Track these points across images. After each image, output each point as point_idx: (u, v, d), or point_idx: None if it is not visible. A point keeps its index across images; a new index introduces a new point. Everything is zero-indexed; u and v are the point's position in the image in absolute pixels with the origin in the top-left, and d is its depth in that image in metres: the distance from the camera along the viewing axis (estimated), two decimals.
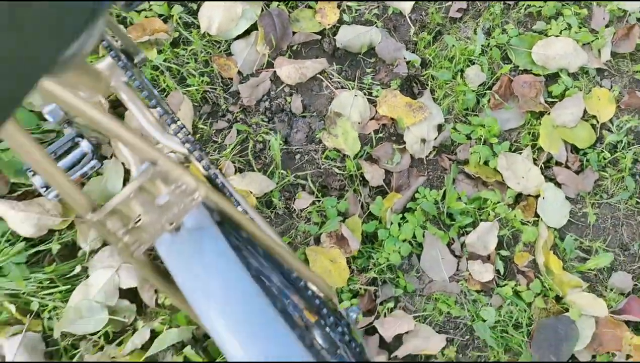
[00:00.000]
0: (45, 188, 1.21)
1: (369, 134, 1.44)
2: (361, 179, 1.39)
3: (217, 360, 1.19)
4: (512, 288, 1.32)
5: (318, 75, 1.49)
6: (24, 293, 1.20)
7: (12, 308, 1.17)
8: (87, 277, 1.22)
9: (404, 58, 1.52)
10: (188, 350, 1.18)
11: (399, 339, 1.27)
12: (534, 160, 1.45)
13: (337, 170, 1.39)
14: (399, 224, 1.32)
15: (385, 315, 1.28)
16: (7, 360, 1.15)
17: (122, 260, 1.24)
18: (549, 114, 1.49)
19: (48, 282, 1.21)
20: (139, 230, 0.63)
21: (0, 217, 1.21)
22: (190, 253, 0.63)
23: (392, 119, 1.45)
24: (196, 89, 1.42)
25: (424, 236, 1.33)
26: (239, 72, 1.47)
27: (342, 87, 1.48)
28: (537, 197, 1.41)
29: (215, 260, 0.63)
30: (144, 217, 0.61)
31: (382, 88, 1.49)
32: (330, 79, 1.49)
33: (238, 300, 0.60)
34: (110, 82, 1.02)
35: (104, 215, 0.58)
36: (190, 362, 1.18)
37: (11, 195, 1.24)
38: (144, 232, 0.62)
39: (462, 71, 1.51)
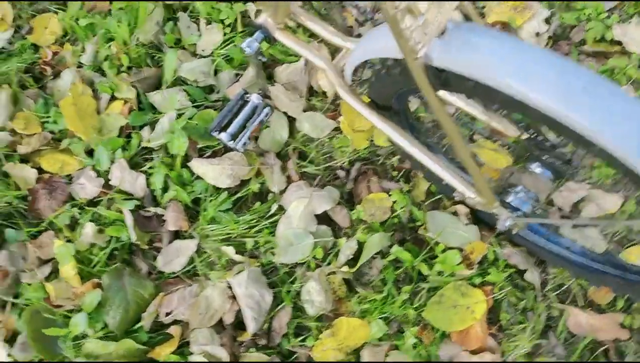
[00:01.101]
0: (232, 142, 1.35)
1: None
2: None
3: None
4: None
5: None
6: (236, 236, 1.32)
7: (231, 250, 1.30)
8: (284, 211, 1.34)
9: None
10: (396, 249, 1.28)
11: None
12: None
13: None
14: None
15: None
16: (237, 295, 1.26)
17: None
18: None
19: (254, 221, 1.33)
20: (421, 28, 0.75)
21: (199, 176, 1.35)
22: (470, 42, 0.75)
23: (503, 23, 1.57)
24: None
25: None
26: None
27: None
28: None
29: (500, 37, 0.74)
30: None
31: None
32: None
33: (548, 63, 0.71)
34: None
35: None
36: None
37: (201, 158, 1.38)
38: (425, 30, 0.75)
39: None
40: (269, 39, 1.17)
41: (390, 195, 1.37)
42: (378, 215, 1.36)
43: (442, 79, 0.82)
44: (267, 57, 1.23)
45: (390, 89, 1.04)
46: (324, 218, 1.35)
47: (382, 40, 0.91)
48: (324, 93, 1.50)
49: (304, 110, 1.47)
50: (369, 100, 1.13)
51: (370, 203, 1.36)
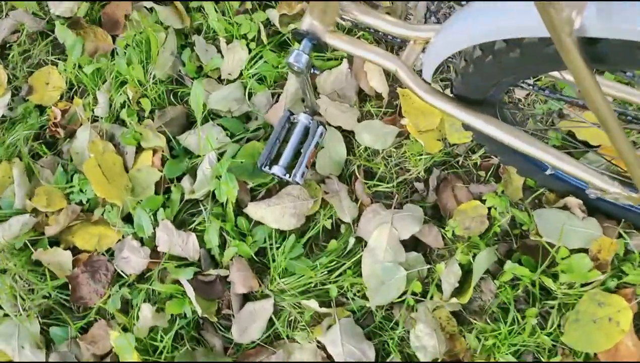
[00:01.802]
0: (288, 175, 1.14)
1: None
2: None
3: None
4: None
5: None
6: (315, 285, 1.12)
7: (313, 303, 1.09)
8: (365, 244, 1.13)
9: None
10: (509, 265, 1.06)
11: None
12: None
13: None
14: None
15: None
16: (334, 356, 1.06)
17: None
18: None
19: (333, 263, 1.13)
20: None
21: (258, 222, 1.15)
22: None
23: None
24: None
25: None
26: None
27: None
28: None
29: None
30: None
31: None
32: None
33: None
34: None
35: None
36: None
37: (256, 200, 1.18)
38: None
39: None
40: (319, 46, 0.96)
41: (483, 201, 1.15)
42: (475, 227, 1.14)
43: (596, 52, 0.60)
44: (319, 69, 1.01)
45: (492, 79, 0.82)
46: (411, 243, 1.14)
47: (487, 20, 0.70)
48: (378, 95, 1.28)
49: (359, 120, 1.26)
50: (452, 95, 0.92)
51: (463, 215, 1.14)
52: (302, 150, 1.16)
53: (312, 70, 0.98)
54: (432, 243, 1.15)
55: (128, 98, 1.29)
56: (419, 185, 1.20)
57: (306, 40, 0.95)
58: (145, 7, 1.37)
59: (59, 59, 1.38)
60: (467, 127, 1.04)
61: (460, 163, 1.21)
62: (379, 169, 1.22)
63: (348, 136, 1.25)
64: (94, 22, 1.39)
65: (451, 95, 0.92)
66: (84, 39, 1.36)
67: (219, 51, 1.33)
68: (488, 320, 1.07)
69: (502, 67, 0.76)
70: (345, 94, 1.28)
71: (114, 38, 1.37)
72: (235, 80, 1.30)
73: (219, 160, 1.20)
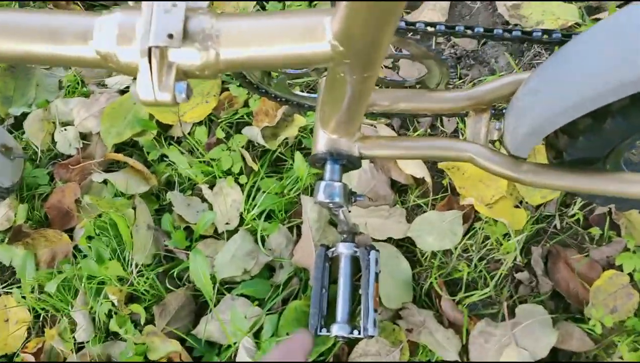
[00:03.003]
0: (356, 330, 0.83)
1: None
2: None
3: None
4: None
5: None
6: None
7: None
8: None
9: None
10: None
11: None
12: None
13: None
14: None
15: None
16: None
17: None
18: None
19: None
20: None
21: None
22: None
23: None
24: None
25: None
26: None
27: None
28: None
29: None
30: None
31: None
32: None
33: None
34: None
35: None
36: None
37: None
38: None
39: None
40: (351, 164, 0.67)
41: (616, 266, 0.84)
42: (623, 306, 0.83)
43: None
44: (364, 195, 0.72)
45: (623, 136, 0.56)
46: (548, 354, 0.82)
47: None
48: (418, 180, 0.99)
49: (408, 220, 0.96)
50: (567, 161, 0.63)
51: (600, 295, 0.84)
52: (360, 291, 0.85)
53: (355, 198, 0.69)
54: (579, 347, 0.83)
55: (113, 304, 0.97)
56: (522, 276, 0.90)
57: (331, 164, 0.66)
58: (95, 181, 1.07)
59: (11, 286, 1.07)
60: (582, 195, 0.77)
61: (559, 226, 0.91)
62: (462, 273, 0.91)
63: (404, 245, 0.95)
64: (40, 224, 1.09)
65: (558, 161, 0.64)
66: (34, 249, 1.05)
67: (204, 201, 1.04)
68: None
69: None
70: (379, 194, 0.99)
71: (70, 234, 1.06)
72: (237, 229, 1.00)
73: (257, 343, 0.88)
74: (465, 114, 0.67)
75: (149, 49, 0.37)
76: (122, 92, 1.17)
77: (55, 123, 1.15)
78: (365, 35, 0.38)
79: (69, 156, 1.14)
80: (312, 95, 0.80)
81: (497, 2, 1.09)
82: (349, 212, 0.78)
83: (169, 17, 0.38)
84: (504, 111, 0.75)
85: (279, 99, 0.80)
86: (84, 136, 1.15)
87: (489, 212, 0.92)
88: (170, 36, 0.37)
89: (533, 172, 0.61)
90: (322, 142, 0.65)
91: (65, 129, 1.14)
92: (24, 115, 1.17)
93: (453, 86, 1.03)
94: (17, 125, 1.19)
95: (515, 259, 0.90)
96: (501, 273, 0.90)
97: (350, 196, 0.68)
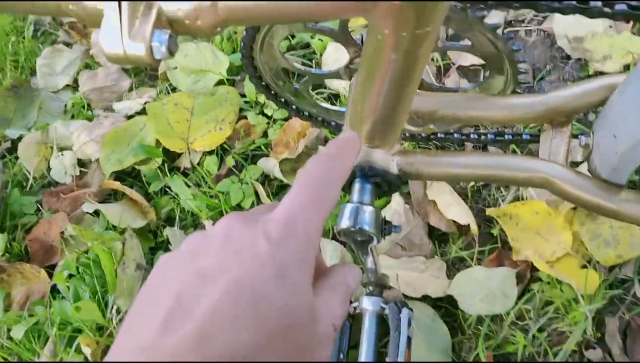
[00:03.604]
0: None
1: None
2: None
3: None
4: None
5: None
6: None
7: None
8: None
9: None
10: None
11: None
12: None
13: None
14: None
15: None
16: None
17: None
18: None
19: None
20: None
21: None
22: None
23: None
24: None
25: None
26: None
27: None
28: None
29: None
30: None
31: None
32: None
33: None
34: None
35: None
36: None
37: None
38: None
39: None
40: (387, 185, 0.52)
41: None
42: None
43: None
44: (400, 226, 0.56)
45: None
46: None
47: None
48: (461, 228, 0.83)
49: (448, 276, 0.79)
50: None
51: None
52: (387, 359, 0.67)
53: (390, 230, 0.53)
54: None
55: (86, 357, 0.80)
56: (594, 354, 0.71)
57: (360, 182, 0.51)
58: (87, 212, 0.94)
59: None
60: None
61: (639, 294, 0.73)
62: (516, 346, 0.72)
63: (442, 306, 0.78)
64: (19, 257, 0.95)
65: None
66: (9, 286, 0.91)
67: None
68: None
69: None
70: (414, 242, 0.82)
71: (51, 272, 0.92)
72: None
73: None
74: (538, 129, 0.52)
75: None
76: (130, 117, 1.06)
77: (53, 147, 1.03)
78: None
79: (63, 185, 1.01)
80: (340, 108, 0.66)
81: (556, 35, 0.96)
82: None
83: None
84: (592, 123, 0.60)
85: (301, 112, 0.67)
86: (82, 163, 1.03)
87: (551, 271, 0.74)
88: None
89: (638, 202, 0.45)
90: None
91: (62, 154, 1.02)
92: (22, 138, 1.07)
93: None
94: (14, 149, 1.08)
95: (584, 332, 0.71)
96: (567, 349, 0.71)
97: (383, 226, 0.52)
